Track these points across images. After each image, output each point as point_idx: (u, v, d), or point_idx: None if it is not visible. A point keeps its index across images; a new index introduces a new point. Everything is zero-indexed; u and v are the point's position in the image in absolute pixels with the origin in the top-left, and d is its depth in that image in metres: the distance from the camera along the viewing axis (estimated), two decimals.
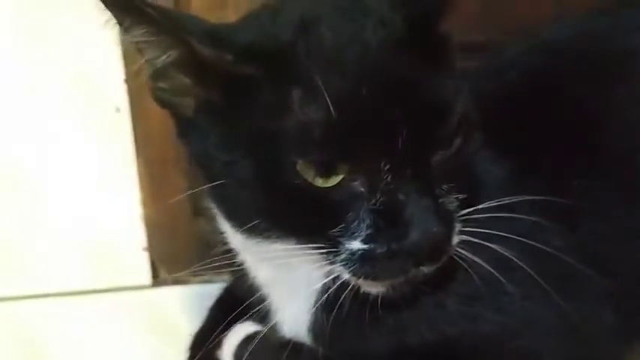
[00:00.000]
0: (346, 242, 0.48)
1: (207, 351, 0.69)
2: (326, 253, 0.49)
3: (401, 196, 0.47)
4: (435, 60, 0.50)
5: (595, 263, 0.63)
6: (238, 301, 0.69)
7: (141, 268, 1.02)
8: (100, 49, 0.90)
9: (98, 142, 0.98)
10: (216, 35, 0.49)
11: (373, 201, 0.48)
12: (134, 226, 1.01)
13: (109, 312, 1.02)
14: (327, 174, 0.47)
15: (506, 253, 0.55)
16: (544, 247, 0.59)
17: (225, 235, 0.62)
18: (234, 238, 0.60)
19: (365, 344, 0.59)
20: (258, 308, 0.66)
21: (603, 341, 0.64)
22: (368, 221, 0.48)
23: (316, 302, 0.59)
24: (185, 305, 0.98)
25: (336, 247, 0.49)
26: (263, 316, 0.66)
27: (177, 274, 1.00)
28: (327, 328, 0.59)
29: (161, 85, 0.53)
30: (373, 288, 0.53)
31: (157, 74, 0.52)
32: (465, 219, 0.53)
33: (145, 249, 1.01)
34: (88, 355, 1.03)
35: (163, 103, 0.54)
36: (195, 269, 0.66)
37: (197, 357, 0.73)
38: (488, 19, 0.94)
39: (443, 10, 0.53)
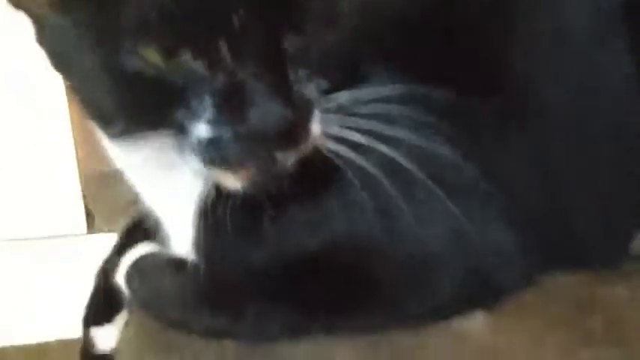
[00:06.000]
0: (192, 126, 0.46)
1: (108, 276, 0.67)
2: (176, 141, 0.47)
3: (241, 76, 0.45)
4: None
5: (495, 180, 0.61)
6: (142, 224, 0.68)
7: (76, 215, 1.01)
8: None
9: (32, 87, 0.97)
10: None
11: (215, 82, 0.45)
12: (69, 173, 1.00)
13: (44, 260, 1.01)
14: (167, 57, 0.45)
15: (389, 152, 0.53)
16: (438, 152, 0.57)
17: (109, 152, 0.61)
18: (111, 149, 0.59)
19: (245, 256, 0.57)
20: (154, 229, 0.64)
21: (502, 262, 0.61)
22: (211, 103, 0.46)
23: (197, 216, 0.58)
24: None
25: (184, 133, 0.47)
26: (158, 237, 0.64)
27: (112, 222, 0.98)
28: (208, 241, 0.58)
29: None
30: (232, 182, 0.51)
31: None
32: (337, 109, 0.50)
33: (80, 197, 1.01)
34: (22, 302, 1.02)
35: (17, 3, 0.53)
36: None
37: (98, 284, 0.72)
38: None
39: None
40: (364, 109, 0.53)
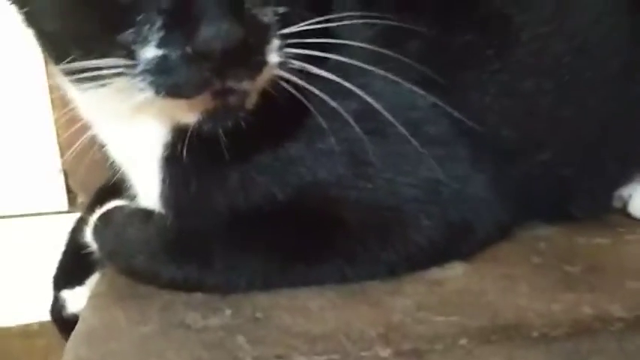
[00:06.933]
0: (140, 50, 0.45)
1: (79, 236, 0.66)
2: (125, 66, 0.46)
3: None
4: None
5: (474, 125, 0.59)
6: (113, 185, 0.67)
7: (57, 193, 1.00)
8: None
9: (10, 66, 0.96)
10: None
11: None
12: (49, 150, 0.99)
13: (25, 238, 1.00)
14: None
15: (360, 92, 0.51)
16: (414, 98, 0.56)
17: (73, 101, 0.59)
18: (70, 89, 0.57)
19: (212, 204, 0.56)
20: (123, 186, 0.63)
21: (479, 211, 0.60)
22: (159, 23, 0.44)
23: (162, 166, 0.56)
24: None
25: (133, 58, 0.45)
26: (128, 194, 0.63)
27: None
28: (173, 191, 0.56)
29: None
30: (188, 115, 0.49)
31: None
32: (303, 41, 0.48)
33: (60, 173, 0.99)
34: (2, 282, 1.01)
35: None
36: None
37: (69, 245, 0.71)
38: None
39: None
40: (333, 43, 0.51)
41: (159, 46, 0.44)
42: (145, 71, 0.45)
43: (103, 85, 0.49)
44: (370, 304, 0.55)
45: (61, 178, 1.00)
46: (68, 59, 0.49)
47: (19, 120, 0.98)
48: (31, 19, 0.52)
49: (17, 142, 0.98)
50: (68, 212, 1.00)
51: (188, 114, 0.49)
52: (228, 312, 0.55)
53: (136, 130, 0.57)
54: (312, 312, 0.54)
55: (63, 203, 1.00)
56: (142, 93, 0.46)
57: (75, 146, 0.58)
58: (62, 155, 0.99)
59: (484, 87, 0.62)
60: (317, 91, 0.50)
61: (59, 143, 0.98)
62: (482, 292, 0.56)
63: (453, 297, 0.55)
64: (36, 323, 1.01)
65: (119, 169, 0.63)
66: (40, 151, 0.98)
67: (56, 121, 0.98)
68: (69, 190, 1.01)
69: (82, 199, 1.01)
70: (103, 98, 0.52)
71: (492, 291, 0.56)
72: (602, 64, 0.63)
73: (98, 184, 0.99)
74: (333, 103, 0.51)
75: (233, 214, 0.56)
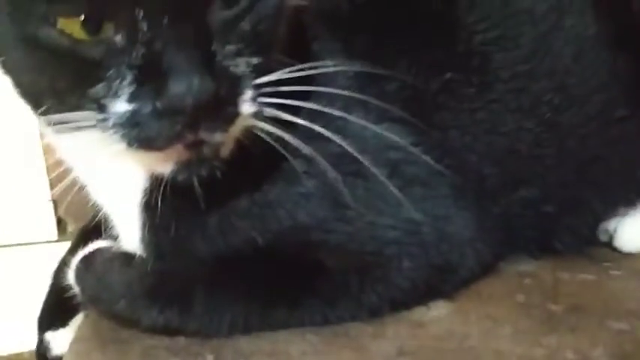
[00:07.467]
0: (111, 104, 0.45)
1: (62, 277, 0.66)
2: (96, 120, 0.45)
3: (158, 46, 0.43)
4: None
5: (454, 164, 0.60)
6: (97, 224, 0.66)
7: (47, 222, 1.00)
8: None
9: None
10: None
11: (134, 54, 0.44)
12: (39, 180, 0.99)
13: (15, 267, 1.00)
14: (93, 33, 0.44)
15: (337, 138, 0.51)
16: (392, 140, 0.56)
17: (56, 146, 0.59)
18: (50, 135, 0.57)
19: (191, 249, 0.55)
20: (106, 226, 0.63)
21: (461, 250, 0.59)
22: (130, 78, 0.44)
23: (141, 211, 0.56)
24: None
25: (104, 112, 0.45)
26: (111, 234, 0.63)
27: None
28: (153, 235, 0.56)
29: None
30: (161, 165, 0.49)
31: None
32: (278, 93, 0.47)
33: (50, 201, 0.99)
34: None
35: None
36: None
37: (52, 286, 0.71)
38: None
39: None
40: (309, 90, 0.51)
41: (129, 100, 0.44)
42: (116, 124, 0.45)
43: (78, 135, 0.49)
44: (352, 348, 0.55)
45: (51, 207, 1.00)
46: (42, 109, 0.49)
47: (8, 149, 0.98)
48: (7, 68, 0.51)
49: (7, 172, 0.98)
50: (58, 241, 1.00)
51: (162, 164, 0.49)
52: (209, 357, 0.54)
53: (114, 175, 0.56)
54: (293, 358, 0.54)
55: (52, 233, 1.00)
56: (115, 145, 0.46)
57: (65, 182, 0.58)
58: (52, 185, 0.99)
59: (465, 125, 0.62)
60: (291, 139, 0.50)
61: (49, 173, 0.98)
62: (464, 335, 0.55)
63: (435, 342, 0.55)
64: (27, 352, 1.01)
65: (101, 210, 0.63)
66: (30, 181, 0.99)
67: (45, 150, 0.98)
68: (59, 220, 1.01)
69: (72, 227, 1.01)
70: (80, 146, 0.52)
71: (475, 334, 0.56)
72: (583, 101, 0.62)
73: (88, 211, 0.99)
74: (308, 150, 0.51)
75: (214, 259, 0.56)
